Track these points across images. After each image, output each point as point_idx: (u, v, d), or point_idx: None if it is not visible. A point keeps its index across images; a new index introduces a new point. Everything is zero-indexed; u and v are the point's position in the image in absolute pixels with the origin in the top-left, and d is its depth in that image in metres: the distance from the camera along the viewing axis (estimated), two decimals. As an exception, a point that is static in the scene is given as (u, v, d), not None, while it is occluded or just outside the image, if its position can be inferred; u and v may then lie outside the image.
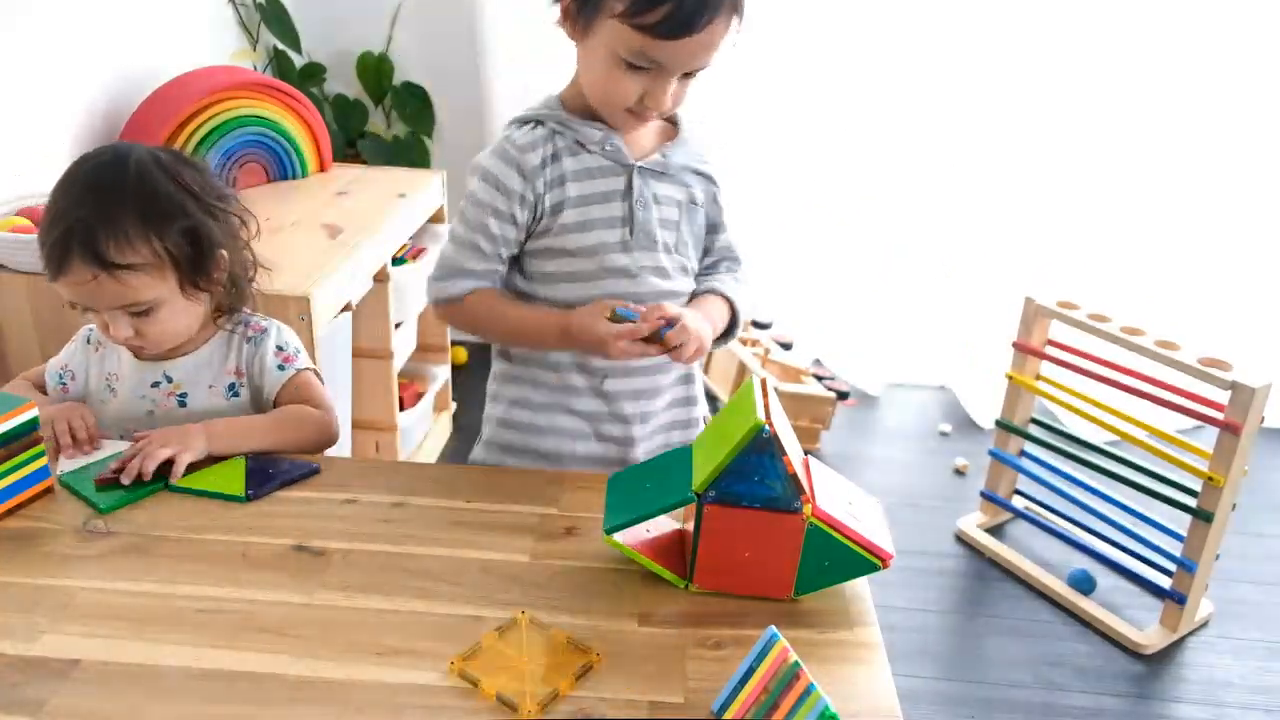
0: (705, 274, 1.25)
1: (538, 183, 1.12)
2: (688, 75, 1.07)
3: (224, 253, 1.13)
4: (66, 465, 1.06)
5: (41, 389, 1.23)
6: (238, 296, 1.19)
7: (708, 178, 1.22)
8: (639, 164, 1.14)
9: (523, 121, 1.15)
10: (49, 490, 1.02)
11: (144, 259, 1.06)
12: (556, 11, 1.07)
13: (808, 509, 0.85)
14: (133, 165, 1.07)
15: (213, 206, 1.12)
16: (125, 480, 1.03)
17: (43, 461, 1.01)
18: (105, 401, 1.19)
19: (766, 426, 0.82)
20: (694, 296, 1.21)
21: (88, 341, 1.21)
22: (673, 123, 1.20)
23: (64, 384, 1.21)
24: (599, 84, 1.08)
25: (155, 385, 1.17)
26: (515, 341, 1.18)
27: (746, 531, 0.86)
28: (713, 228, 1.25)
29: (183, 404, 1.16)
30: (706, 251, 1.26)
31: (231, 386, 1.18)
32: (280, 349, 1.20)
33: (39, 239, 1.07)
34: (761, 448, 0.83)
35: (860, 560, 0.87)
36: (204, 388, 1.17)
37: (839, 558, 0.87)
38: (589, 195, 1.13)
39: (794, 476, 0.84)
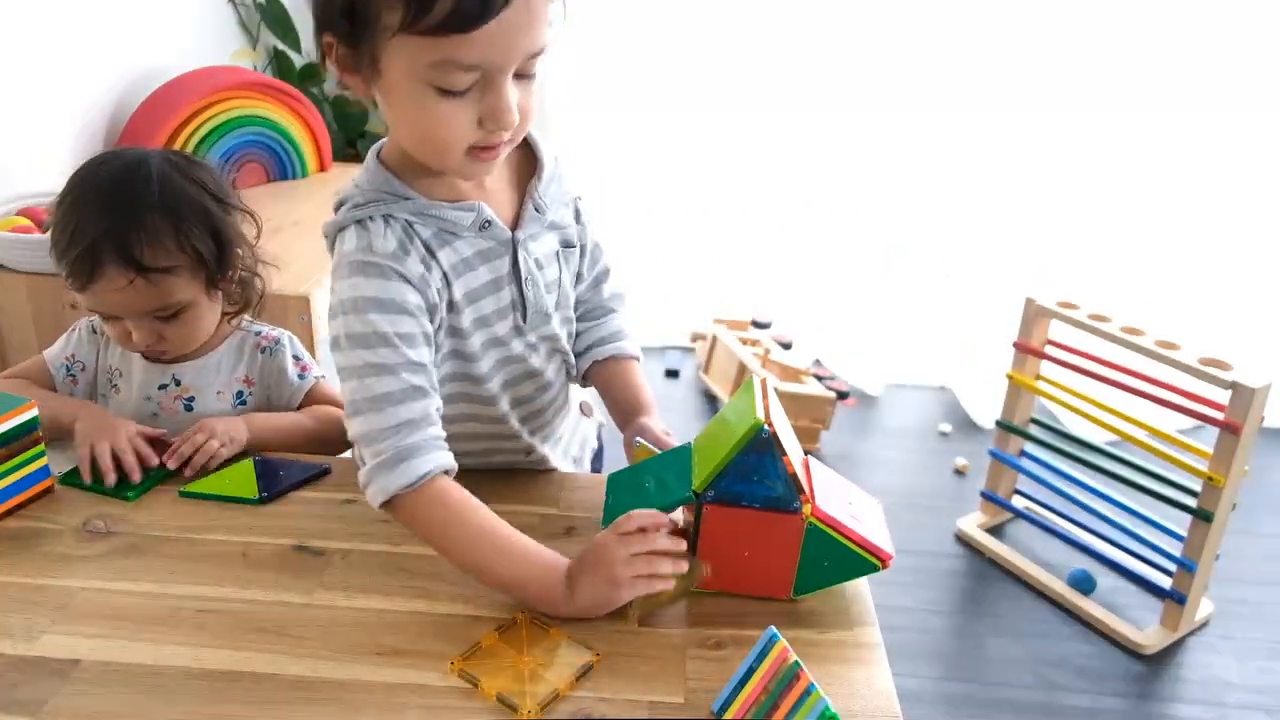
0: (592, 310, 1.11)
1: (429, 293, 0.91)
2: (523, 76, 0.83)
3: (239, 250, 1.14)
4: (64, 466, 1.05)
5: (43, 384, 1.19)
6: (246, 296, 1.19)
7: (577, 212, 1.05)
8: (519, 237, 0.96)
9: (359, 220, 0.90)
10: (49, 490, 1.02)
11: (177, 261, 1.07)
12: (333, 70, 0.85)
13: (807, 509, 0.84)
14: (153, 169, 1.08)
15: (228, 205, 1.13)
16: (172, 464, 1.05)
17: (43, 461, 1.01)
18: (106, 396, 1.20)
19: (766, 426, 0.82)
20: (599, 361, 1.08)
21: (94, 331, 1.21)
22: (528, 150, 0.98)
23: (73, 375, 1.20)
24: (421, 131, 0.84)
25: (163, 387, 1.17)
26: (473, 569, 0.88)
27: (746, 531, 0.86)
28: (581, 249, 1.07)
29: (189, 408, 1.17)
30: (579, 275, 1.10)
31: (240, 394, 1.19)
32: (298, 359, 1.22)
33: (58, 250, 1.06)
34: (761, 447, 0.83)
35: (860, 560, 0.87)
36: (212, 393, 1.17)
37: (838, 558, 0.87)
38: (475, 290, 0.95)
39: (794, 476, 0.84)
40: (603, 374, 1.10)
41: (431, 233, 0.92)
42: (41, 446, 1.01)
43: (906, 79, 2.59)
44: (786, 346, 2.78)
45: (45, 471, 1.02)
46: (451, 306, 0.95)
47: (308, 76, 2.65)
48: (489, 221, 0.94)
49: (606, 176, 2.77)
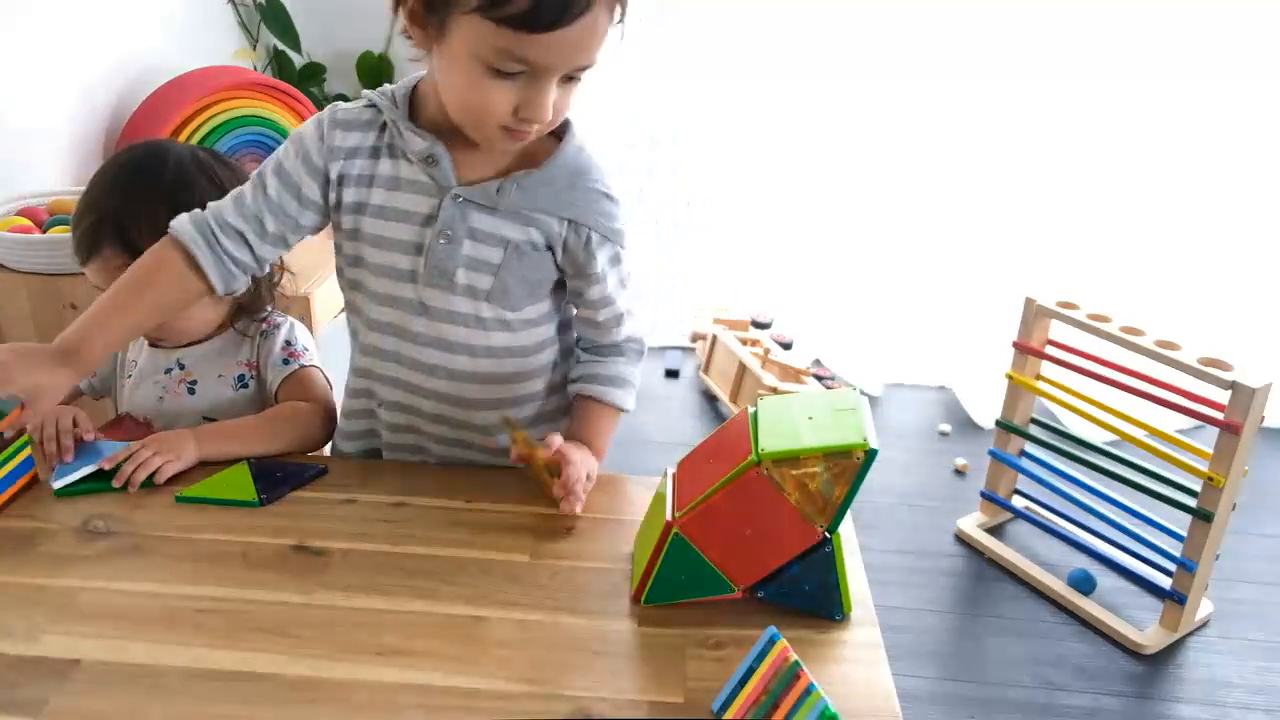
0: (600, 348, 1.10)
1: (334, 167, 1.00)
2: (569, 79, 0.90)
3: None
4: (58, 480, 1.04)
5: None
6: (256, 298, 1.20)
7: (574, 223, 1.02)
8: (455, 191, 0.99)
9: (363, 99, 1.03)
10: (34, 483, 1.02)
11: None
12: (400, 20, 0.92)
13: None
14: (171, 160, 1.11)
15: None
16: (116, 483, 1.02)
17: (27, 453, 1.02)
18: (122, 387, 1.23)
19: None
20: (577, 397, 1.09)
21: None
22: (558, 138, 1.02)
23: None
24: (462, 97, 0.91)
25: (168, 371, 1.19)
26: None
27: (770, 514, 0.84)
28: (583, 277, 1.05)
29: (192, 391, 1.18)
30: (582, 304, 1.08)
31: (241, 378, 1.20)
32: (288, 344, 1.22)
33: (71, 223, 1.11)
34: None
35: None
36: (214, 377, 1.19)
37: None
38: (387, 209, 1.01)
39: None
40: (578, 409, 1.10)
41: (388, 142, 1.00)
42: (25, 438, 1.02)
43: (907, 79, 2.59)
44: (786, 346, 2.78)
45: (29, 464, 1.02)
46: (359, 210, 1.02)
47: (308, 76, 2.65)
48: (434, 158, 0.98)
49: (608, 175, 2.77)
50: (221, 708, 0.76)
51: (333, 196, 1.02)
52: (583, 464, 1.00)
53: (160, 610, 0.86)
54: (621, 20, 0.89)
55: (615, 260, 1.06)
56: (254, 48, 2.55)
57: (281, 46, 2.58)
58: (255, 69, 2.50)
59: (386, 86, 1.02)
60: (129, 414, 1.16)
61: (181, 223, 1.01)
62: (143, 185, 1.09)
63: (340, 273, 1.08)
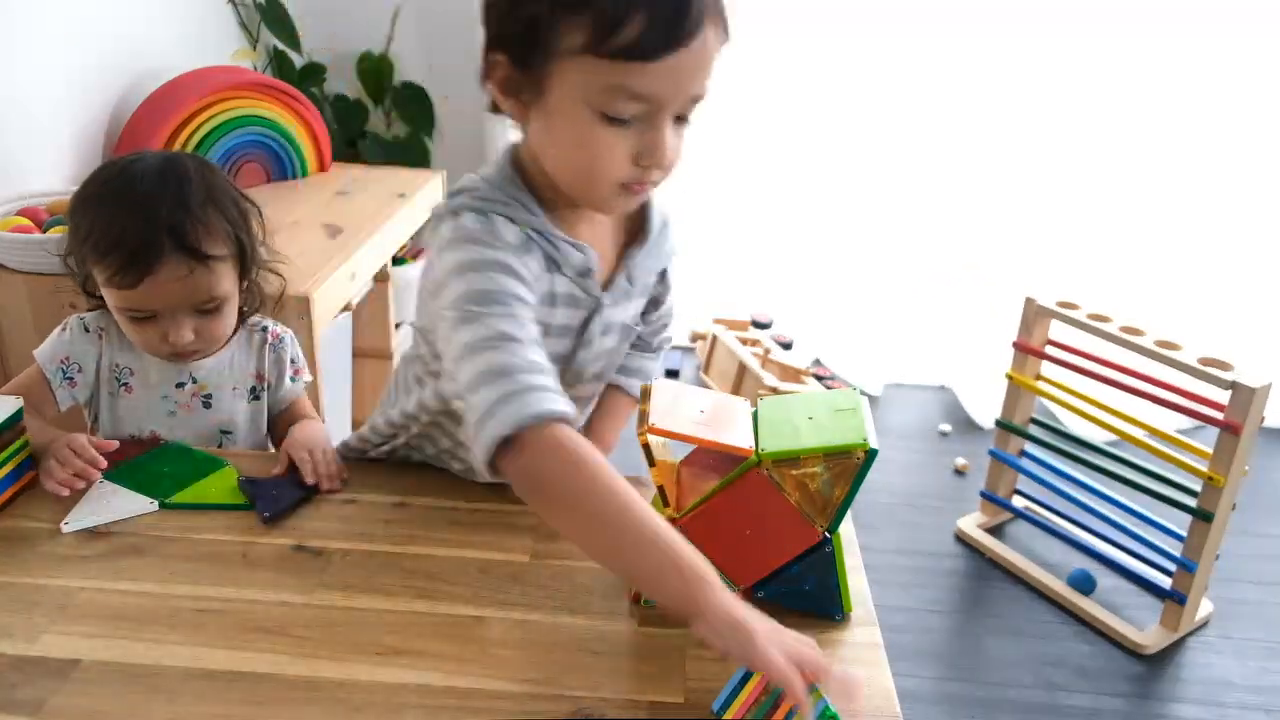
0: (634, 343, 1.10)
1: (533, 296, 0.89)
2: (680, 119, 0.83)
3: (261, 246, 1.15)
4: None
5: (41, 393, 1.13)
6: (251, 298, 1.19)
7: (663, 272, 1.05)
8: (606, 299, 0.95)
9: (482, 212, 0.86)
10: (34, 483, 1.02)
11: (227, 250, 1.08)
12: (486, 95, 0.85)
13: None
14: (189, 164, 1.09)
15: (251, 202, 1.15)
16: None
17: (27, 453, 1.02)
18: (114, 394, 1.16)
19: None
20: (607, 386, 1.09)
21: (86, 330, 1.15)
22: (639, 217, 0.97)
23: (70, 378, 1.14)
24: (578, 158, 0.82)
25: (180, 385, 1.16)
26: (610, 557, 0.79)
27: (770, 514, 0.84)
28: (654, 303, 1.08)
29: (207, 405, 1.17)
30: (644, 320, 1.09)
31: (253, 389, 1.20)
32: (293, 361, 1.23)
33: (98, 250, 1.03)
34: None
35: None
36: (229, 390, 1.18)
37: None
38: (547, 327, 0.91)
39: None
40: (604, 396, 1.13)
41: (540, 255, 0.89)
42: (25, 439, 1.01)
43: (907, 80, 2.59)
44: (786, 346, 2.78)
45: (29, 464, 1.02)
46: None
47: (308, 76, 2.65)
48: (590, 270, 0.93)
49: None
50: (221, 708, 0.76)
51: None
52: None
53: (160, 610, 0.86)
54: (728, 39, 0.82)
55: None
56: (254, 48, 2.55)
57: (281, 46, 2.58)
58: (255, 69, 2.50)
59: (484, 184, 0.89)
60: (131, 437, 1.13)
61: (554, 401, 0.78)
62: (182, 191, 1.05)
63: None
